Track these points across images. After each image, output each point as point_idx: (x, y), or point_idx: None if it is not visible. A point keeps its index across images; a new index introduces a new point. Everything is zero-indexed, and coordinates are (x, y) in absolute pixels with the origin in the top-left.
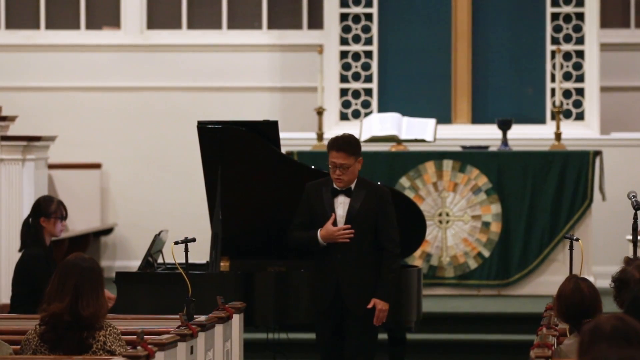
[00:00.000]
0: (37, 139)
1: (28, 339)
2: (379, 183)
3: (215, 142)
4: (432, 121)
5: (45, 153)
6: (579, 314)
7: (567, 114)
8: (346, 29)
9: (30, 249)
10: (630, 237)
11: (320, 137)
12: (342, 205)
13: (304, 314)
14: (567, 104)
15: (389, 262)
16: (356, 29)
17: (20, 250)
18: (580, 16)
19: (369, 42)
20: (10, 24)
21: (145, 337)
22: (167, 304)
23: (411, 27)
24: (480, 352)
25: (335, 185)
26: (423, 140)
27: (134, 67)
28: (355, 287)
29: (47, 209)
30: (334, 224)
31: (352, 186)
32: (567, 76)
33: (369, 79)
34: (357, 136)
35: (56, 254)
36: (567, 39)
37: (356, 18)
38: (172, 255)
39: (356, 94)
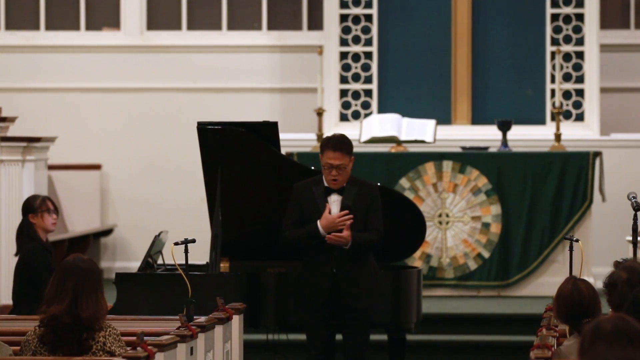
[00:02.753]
0: (37, 139)
1: (28, 340)
2: (378, 183)
3: (215, 143)
4: (431, 122)
5: (45, 154)
6: (578, 314)
7: (567, 115)
8: (346, 30)
9: (27, 245)
10: (630, 238)
11: (320, 138)
12: (335, 203)
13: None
14: (567, 104)
15: (372, 239)
16: (356, 30)
17: (16, 254)
18: (580, 17)
19: (368, 43)
20: (10, 25)
21: (145, 338)
22: (167, 305)
23: (411, 27)
24: (480, 353)
25: (328, 185)
26: (423, 141)
27: (134, 68)
28: (352, 280)
29: (33, 204)
30: None
31: (344, 184)
32: (567, 77)
33: (368, 80)
34: (357, 137)
35: (56, 255)
36: (567, 40)
37: (356, 19)
38: (172, 256)
39: (356, 94)
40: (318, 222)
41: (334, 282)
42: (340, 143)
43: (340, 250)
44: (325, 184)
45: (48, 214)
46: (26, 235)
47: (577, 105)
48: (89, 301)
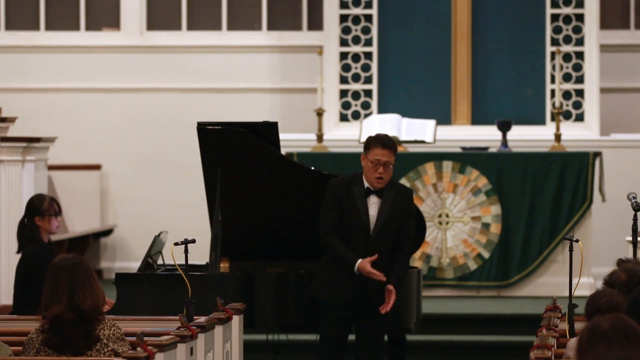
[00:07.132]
0: (37, 140)
1: (31, 337)
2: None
3: (215, 143)
4: (431, 122)
5: (45, 154)
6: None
7: (567, 115)
8: (346, 30)
9: (29, 248)
10: (630, 239)
11: (320, 138)
12: (374, 205)
13: (304, 315)
14: (567, 105)
15: (406, 260)
16: (356, 30)
17: (18, 252)
18: (580, 17)
19: (368, 43)
20: (10, 25)
21: (145, 339)
22: (167, 305)
23: (411, 28)
24: (480, 353)
25: (372, 186)
26: (423, 142)
27: (134, 68)
28: (382, 284)
29: (40, 207)
30: (367, 225)
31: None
32: (566, 77)
33: (368, 80)
34: (357, 137)
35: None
36: (567, 40)
37: (356, 19)
38: (171, 256)
39: (356, 95)
40: (358, 262)
41: (362, 284)
42: (388, 141)
43: (377, 260)
44: (366, 185)
45: (55, 217)
46: (28, 236)
47: (577, 105)
48: (85, 293)
